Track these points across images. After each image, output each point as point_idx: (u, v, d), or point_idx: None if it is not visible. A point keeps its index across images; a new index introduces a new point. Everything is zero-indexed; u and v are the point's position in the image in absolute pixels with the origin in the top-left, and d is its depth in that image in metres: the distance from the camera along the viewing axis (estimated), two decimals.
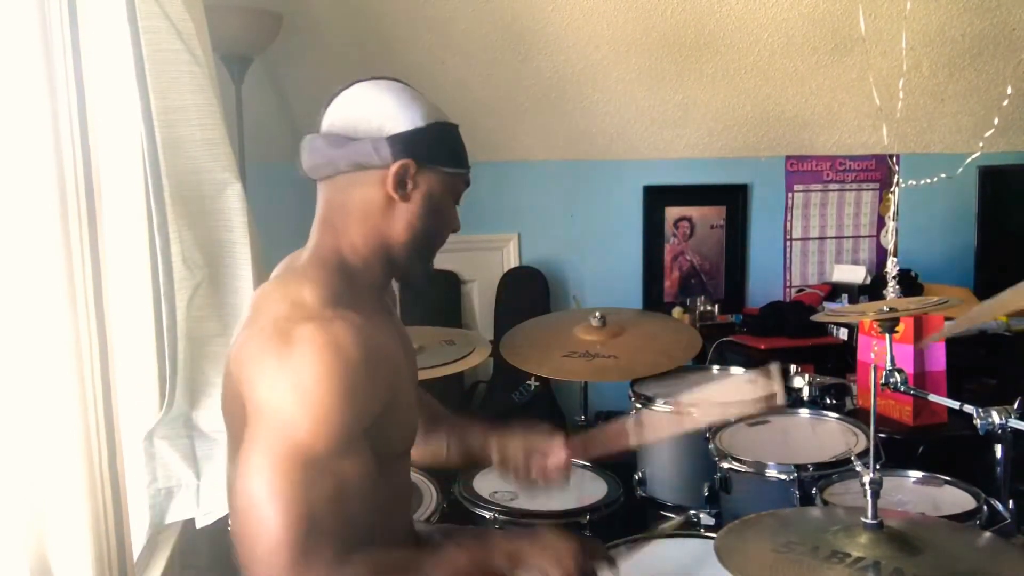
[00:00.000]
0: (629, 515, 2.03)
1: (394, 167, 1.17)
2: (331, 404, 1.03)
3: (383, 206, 1.20)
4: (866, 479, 1.17)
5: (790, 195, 3.81)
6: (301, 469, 1.02)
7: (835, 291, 3.61)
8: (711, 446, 1.94)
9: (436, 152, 1.21)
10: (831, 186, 3.85)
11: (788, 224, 3.83)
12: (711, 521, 2.03)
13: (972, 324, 1.30)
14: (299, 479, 1.01)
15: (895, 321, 1.75)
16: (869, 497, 1.16)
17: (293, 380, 1.04)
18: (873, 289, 3.48)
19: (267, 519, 1.00)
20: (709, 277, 3.78)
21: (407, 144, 1.18)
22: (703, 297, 3.61)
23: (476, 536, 1.21)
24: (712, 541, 1.23)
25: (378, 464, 1.18)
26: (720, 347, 3.30)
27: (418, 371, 1.42)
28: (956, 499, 1.65)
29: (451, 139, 1.25)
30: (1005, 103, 3.14)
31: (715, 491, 1.95)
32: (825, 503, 1.64)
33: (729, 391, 1.72)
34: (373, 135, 1.18)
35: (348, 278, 1.20)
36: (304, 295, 1.13)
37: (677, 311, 3.55)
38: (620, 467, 2.13)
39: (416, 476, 1.91)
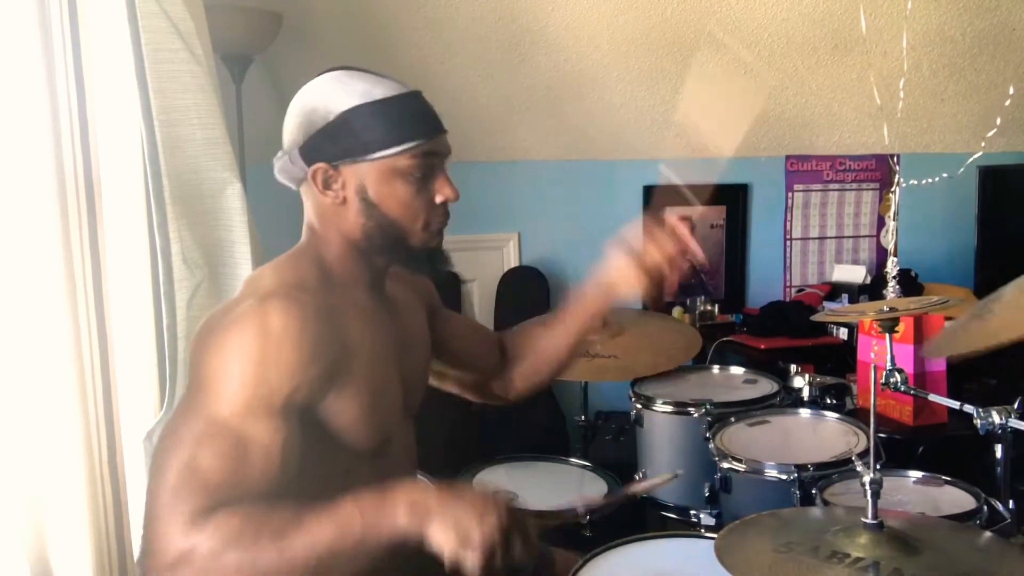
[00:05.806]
0: (629, 515, 2.04)
1: (310, 176, 1.18)
2: (242, 371, 1.04)
3: (331, 210, 1.20)
4: (866, 479, 1.17)
5: (790, 195, 3.81)
6: (201, 425, 1.03)
7: (835, 291, 3.61)
8: (711, 446, 1.94)
9: (351, 144, 1.15)
10: (831, 186, 3.84)
11: (788, 224, 3.83)
12: (711, 521, 2.03)
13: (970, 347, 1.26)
14: (196, 433, 1.02)
15: (895, 321, 1.75)
16: (869, 497, 1.16)
17: (217, 348, 1.06)
18: (873, 289, 3.48)
19: (163, 465, 1.02)
20: (709, 277, 3.78)
21: (314, 149, 1.17)
22: (703, 297, 3.60)
23: (378, 493, 1.03)
24: (712, 541, 1.22)
25: (349, 460, 1.18)
26: (720, 347, 3.30)
27: (423, 372, 1.41)
28: (956, 499, 1.65)
29: (373, 119, 1.14)
30: (1007, 103, 3.13)
31: (715, 491, 1.95)
32: (825, 503, 1.64)
33: None
34: (290, 148, 1.20)
35: (322, 270, 1.20)
36: (263, 280, 1.15)
37: (677, 311, 3.55)
38: (620, 467, 2.13)
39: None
